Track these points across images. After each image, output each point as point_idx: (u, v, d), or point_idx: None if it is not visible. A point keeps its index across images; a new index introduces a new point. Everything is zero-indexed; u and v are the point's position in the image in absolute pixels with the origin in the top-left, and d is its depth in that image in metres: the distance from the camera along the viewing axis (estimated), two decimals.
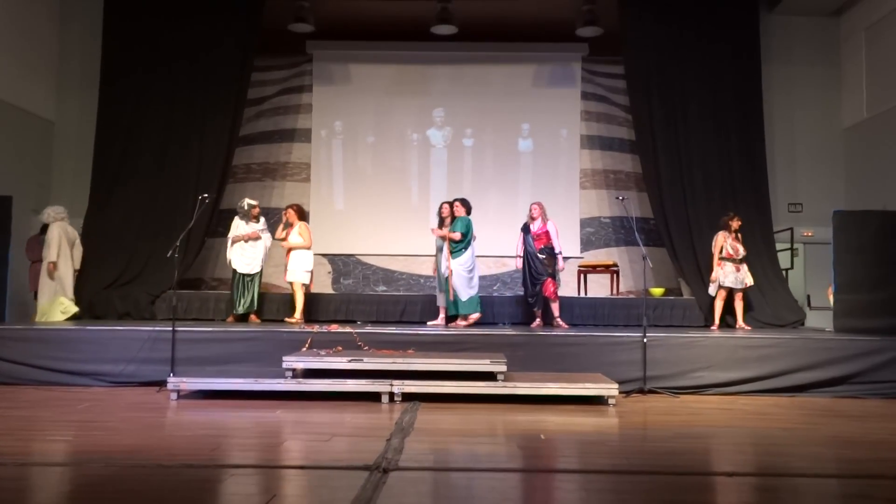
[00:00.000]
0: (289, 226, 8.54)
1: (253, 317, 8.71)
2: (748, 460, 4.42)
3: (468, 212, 8.32)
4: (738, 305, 8.56)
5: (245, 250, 8.58)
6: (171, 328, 6.73)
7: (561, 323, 8.42)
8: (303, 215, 8.71)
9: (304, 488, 3.58)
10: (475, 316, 8.18)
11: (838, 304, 8.19)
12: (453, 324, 8.14)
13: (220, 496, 3.33)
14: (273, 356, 6.49)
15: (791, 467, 4.23)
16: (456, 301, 8.12)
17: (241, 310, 8.54)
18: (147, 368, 6.72)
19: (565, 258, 11.05)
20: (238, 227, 8.64)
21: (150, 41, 9.68)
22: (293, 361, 6.25)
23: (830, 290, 8.63)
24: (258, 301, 8.65)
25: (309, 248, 8.51)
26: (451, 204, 8.44)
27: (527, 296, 8.55)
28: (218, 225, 10.69)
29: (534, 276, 8.36)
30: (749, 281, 8.52)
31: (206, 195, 7.31)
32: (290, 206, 8.68)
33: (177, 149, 9.57)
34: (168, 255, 6.88)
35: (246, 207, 8.66)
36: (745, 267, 8.53)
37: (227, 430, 4.92)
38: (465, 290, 8.12)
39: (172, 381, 6.10)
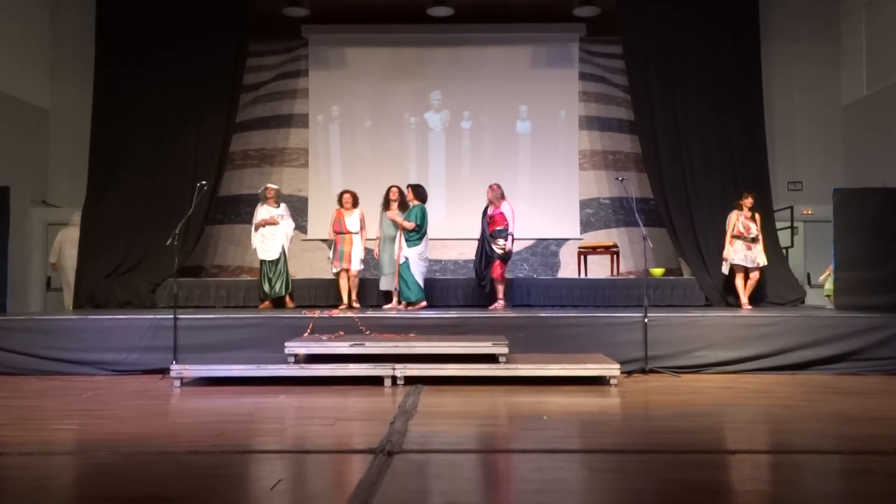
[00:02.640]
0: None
1: (288, 300, 8.82)
2: (750, 438, 4.44)
3: (423, 200, 8.34)
4: (749, 284, 8.55)
5: (265, 236, 8.62)
6: (172, 316, 6.73)
7: (500, 305, 8.43)
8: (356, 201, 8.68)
9: (310, 472, 3.60)
10: (424, 303, 8.30)
11: (839, 281, 8.20)
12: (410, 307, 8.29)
13: (225, 481, 3.34)
14: (275, 342, 6.50)
15: (793, 444, 4.25)
16: (408, 287, 8.22)
17: (271, 294, 8.63)
18: (150, 356, 6.73)
19: (565, 239, 11.12)
20: (259, 212, 8.67)
21: (144, 28, 9.61)
22: (295, 347, 6.26)
23: (828, 271, 8.62)
24: (289, 285, 8.73)
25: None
26: (400, 188, 8.49)
27: (478, 278, 8.52)
28: (217, 212, 10.71)
29: (486, 259, 8.36)
30: (762, 261, 8.48)
31: (203, 182, 7.29)
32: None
33: (173, 136, 9.54)
34: (167, 243, 6.87)
35: (262, 190, 8.77)
36: (758, 246, 8.50)
37: (231, 416, 4.93)
38: (419, 279, 8.24)
39: (175, 369, 6.11)
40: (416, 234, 8.23)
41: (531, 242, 11.14)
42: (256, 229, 8.65)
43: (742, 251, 8.49)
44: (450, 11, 10.42)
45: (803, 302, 9.14)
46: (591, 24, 11.12)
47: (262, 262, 8.66)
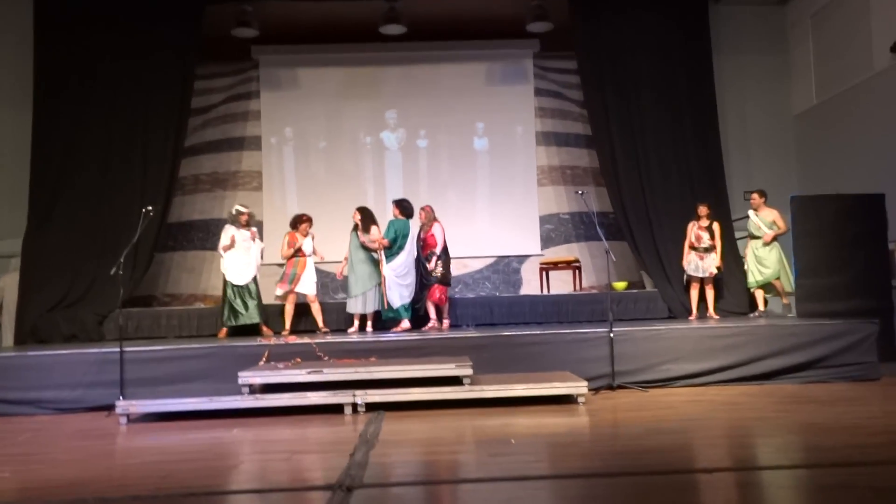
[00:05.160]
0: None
1: (265, 328, 8.35)
2: (724, 454, 4.30)
3: (407, 215, 8.16)
4: (707, 294, 8.52)
5: (239, 258, 8.22)
6: (118, 349, 6.36)
7: (444, 326, 8.29)
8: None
9: None
10: (406, 324, 8.03)
11: (800, 288, 8.21)
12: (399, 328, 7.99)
13: None
14: (230, 372, 6.19)
15: (768, 459, 4.13)
16: (387, 306, 8.01)
17: (234, 321, 8.19)
18: (94, 393, 6.35)
19: (527, 256, 11.00)
20: (229, 235, 8.24)
21: (85, 51, 9.22)
22: (250, 377, 5.97)
23: (746, 254, 8.57)
24: (263, 311, 8.35)
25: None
26: (359, 210, 8.30)
27: (413, 301, 8.25)
28: (168, 239, 10.33)
29: (422, 283, 8.17)
30: (712, 269, 8.45)
31: (149, 208, 6.97)
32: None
33: (119, 162, 9.14)
34: (112, 272, 6.52)
35: (234, 213, 8.37)
36: (711, 255, 8.46)
37: (179, 454, 4.63)
38: (396, 297, 7.97)
39: (121, 405, 5.77)
40: (390, 250, 7.99)
41: (492, 260, 11.00)
42: (226, 251, 8.24)
43: (695, 261, 8.47)
44: (402, 29, 10.29)
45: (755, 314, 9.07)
46: (544, 39, 11.09)
47: (233, 286, 8.22)
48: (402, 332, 7.90)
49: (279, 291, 8.29)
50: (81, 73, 9.23)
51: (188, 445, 4.92)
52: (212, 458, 4.46)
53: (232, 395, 5.86)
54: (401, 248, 8.04)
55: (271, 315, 8.58)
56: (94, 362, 6.48)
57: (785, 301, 8.54)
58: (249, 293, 8.26)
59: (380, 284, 8.12)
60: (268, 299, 8.64)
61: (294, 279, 8.19)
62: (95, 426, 5.68)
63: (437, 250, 8.12)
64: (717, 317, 8.45)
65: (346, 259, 8.36)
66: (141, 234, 7.14)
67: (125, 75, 9.23)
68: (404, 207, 8.23)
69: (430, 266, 8.08)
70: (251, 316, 8.23)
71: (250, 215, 8.50)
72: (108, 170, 9.14)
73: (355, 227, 8.28)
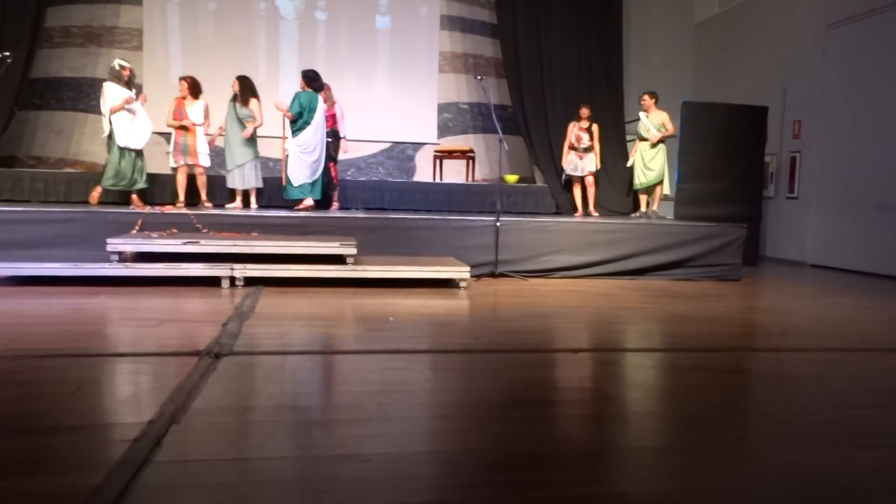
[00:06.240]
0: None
1: (135, 198, 7.67)
2: (593, 337, 4.47)
3: (311, 86, 7.63)
4: (588, 193, 8.67)
5: (132, 121, 7.45)
6: None
7: (332, 207, 8.20)
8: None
9: (123, 377, 3.19)
10: (308, 202, 7.75)
11: (680, 192, 8.51)
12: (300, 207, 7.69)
13: (14, 388, 2.87)
14: (98, 239, 5.82)
15: (633, 343, 4.32)
16: (289, 183, 7.68)
17: (117, 185, 7.49)
18: None
19: (422, 144, 10.82)
20: (113, 93, 7.38)
21: None
22: (120, 244, 5.65)
23: (632, 155, 8.75)
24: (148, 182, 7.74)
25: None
26: (239, 79, 7.83)
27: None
28: (33, 96, 9.45)
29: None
30: (590, 168, 8.55)
31: (6, 53, 6.27)
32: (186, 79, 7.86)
33: None
34: None
35: (117, 68, 7.49)
36: (590, 156, 8.54)
37: (35, 318, 4.35)
38: (297, 174, 7.65)
39: None
40: (295, 124, 7.53)
41: (387, 146, 10.76)
42: (112, 112, 7.48)
43: (574, 161, 8.57)
44: None
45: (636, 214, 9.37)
46: None
47: (124, 150, 7.45)
48: (305, 210, 7.58)
49: (172, 164, 7.77)
50: None
51: (47, 310, 4.62)
52: (71, 323, 4.21)
53: (100, 262, 5.54)
54: (307, 122, 7.55)
55: (158, 185, 8.10)
56: None
57: (655, 207, 8.66)
58: (141, 157, 7.65)
59: (257, 159, 7.83)
60: (150, 169, 8.09)
61: (188, 151, 7.69)
62: None
63: (342, 131, 7.99)
64: (597, 214, 8.63)
65: (220, 129, 7.90)
66: None
67: None
68: (311, 80, 7.67)
69: (338, 146, 7.92)
70: (139, 182, 7.63)
71: (132, 72, 7.75)
72: None
73: (234, 98, 7.79)
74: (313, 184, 7.71)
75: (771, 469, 2.23)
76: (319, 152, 7.69)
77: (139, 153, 7.62)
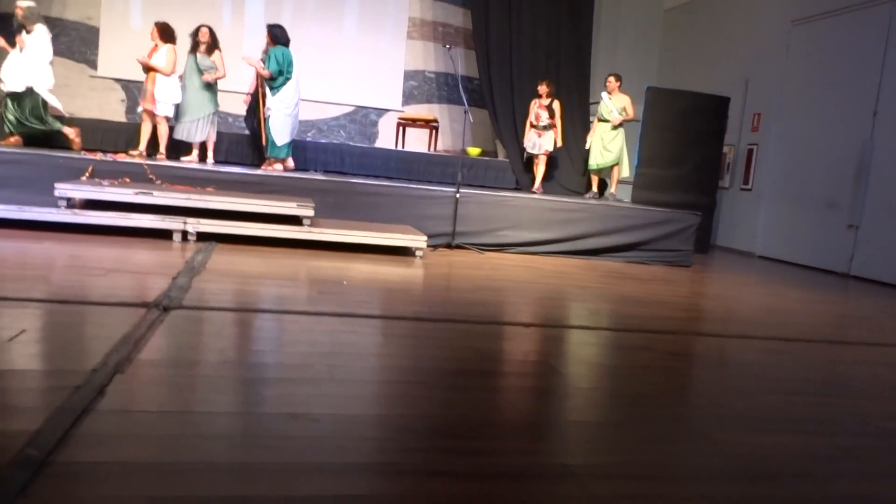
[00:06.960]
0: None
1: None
2: (544, 313, 4.53)
3: (283, 43, 7.43)
4: (539, 170, 8.68)
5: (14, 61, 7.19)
6: None
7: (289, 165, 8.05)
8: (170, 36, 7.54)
9: (66, 324, 3.11)
10: (291, 163, 7.69)
11: (639, 176, 8.61)
12: (268, 167, 7.55)
13: None
14: (45, 183, 5.64)
15: (582, 321, 4.39)
16: (269, 143, 7.54)
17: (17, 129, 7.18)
18: None
19: (386, 110, 10.71)
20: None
21: None
22: (68, 189, 5.48)
23: (589, 136, 8.77)
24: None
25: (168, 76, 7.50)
26: (209, 28, 7.62)
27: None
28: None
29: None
30: (547, 147, 8.56)
31: None
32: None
33: None
34: None
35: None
36: (549, 134, 8.53)
37: None
38: (282, 133, 7.50)
39: None
40: (275, 81, 7.33)
41: (350, 109, 10.62)
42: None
43: (533, 138, 8.59)
44: None
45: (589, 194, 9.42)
46: None
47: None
48: (287, 171, 7.43)
49: (139, 108, 7.55)
50: None
51: None
52: (14, 267, 4.09)
53: (46, 207, 5.37)
54: (288, 78, 7.37)
55: (112, 132, 7.85)
56: None
57: (613, 190, 8.78)
58: (29, 100, 7.25)
59: (216, 113, 7.67)
60: (105, 115, 7.85)
61: (146, 95, 7.46)
62: None
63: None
64: (541, 191, 8.58)
65: (180, 79, 7.68)
66: None
67: None
68: (276, 35, 7.43)
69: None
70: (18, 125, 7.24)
71: (28, 10, 7.21)
72: None
73: (194, 48, 7.57)
74: (290, 143, 7.63)
75: (708, 447, 2.30)
76: (298, 108, 7.60)
77: (25, 95, 7.21)
